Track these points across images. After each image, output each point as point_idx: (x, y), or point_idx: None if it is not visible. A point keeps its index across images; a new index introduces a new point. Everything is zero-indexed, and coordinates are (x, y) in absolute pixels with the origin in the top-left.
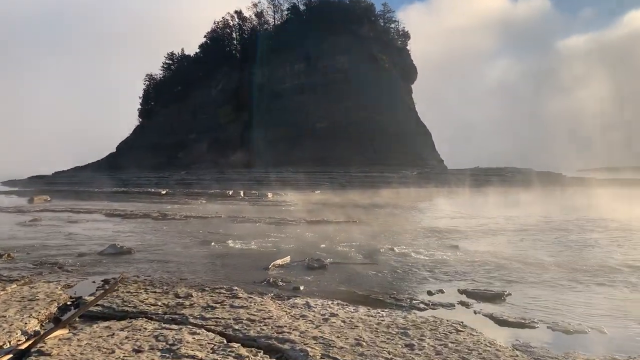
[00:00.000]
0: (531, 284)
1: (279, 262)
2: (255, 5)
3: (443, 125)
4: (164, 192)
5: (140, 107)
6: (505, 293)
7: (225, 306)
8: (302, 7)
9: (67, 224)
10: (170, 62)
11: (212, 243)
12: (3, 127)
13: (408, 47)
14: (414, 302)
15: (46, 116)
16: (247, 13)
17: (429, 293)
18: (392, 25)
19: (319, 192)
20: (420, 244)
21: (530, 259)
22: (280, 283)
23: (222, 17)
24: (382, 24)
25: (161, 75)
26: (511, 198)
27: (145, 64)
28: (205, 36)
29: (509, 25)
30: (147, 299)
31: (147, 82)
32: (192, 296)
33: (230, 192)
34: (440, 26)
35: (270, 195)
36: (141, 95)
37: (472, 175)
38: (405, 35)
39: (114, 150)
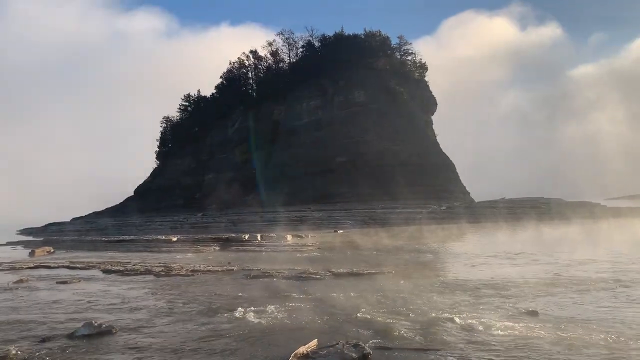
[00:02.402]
0: None
1: (302, 350)
2: (270, 44)
3: (458, 156)
4: (174, 239)
5: (157, 149)
6: None
7: None
8: (316, 44)
9: (55, 287)
10: (187, 103)
11: (217, 313)
12: (26, 174)
13: (426, 79)
14: None
15: (67, 162)
16: (262, 52)
17: None
18: (409, 58)
19: (341, 231)
20: (485, 308)
21: None
22: None
23: (238, 58)
24: (399, 57)
25: (178, 117)
26: (560, 234)
27: (163, 106)
28: (221, 77)
29: (519, 53)
30: None
31: (164, 125)
32: None
33: (246, 237)
34: (449, 58)
35: (289, 237)
36: (158, 138)
37: (506, 208)
38: (423, 67)
39: (132, 194)
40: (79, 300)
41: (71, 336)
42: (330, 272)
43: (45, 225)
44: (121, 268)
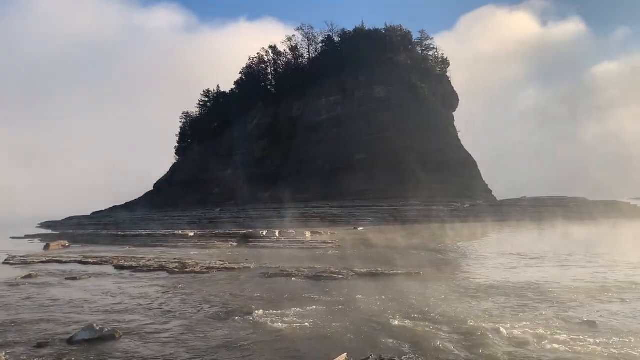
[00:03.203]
0: None
1: None
2: (289, 39)
3: (476, 153)
4: (191, 234)
5: (177, 144)
6: None
7: None
8: (336, 39)
9: (63, 283)
10: (207, 99)
11: (233, 317)
12: (47, 169)
13: (448, 74)
14: None
15: (87, 156)
16: (282, 47)
17: None
18: (431, 53)
19: (361, 228)
20: (533, 317)
21: None
22: None
23: (257, 53)
24: (420, 52)
25: (197, 113)
26: (595, 234)
27: (182, 102)
28: (240, 72)
29: (540, 49)
30: None
31: (183, 120)
32: None
33: (264, 233)
34: (468, 54)
35: (308, 234)
36: (178, 133)
37: (532, 207)
38: (445, 62)
39: (152, 188)
40: (85, 299)
41: (70, 341)
42: (352, 271)
43: (65, 219)
44: (134, 264)
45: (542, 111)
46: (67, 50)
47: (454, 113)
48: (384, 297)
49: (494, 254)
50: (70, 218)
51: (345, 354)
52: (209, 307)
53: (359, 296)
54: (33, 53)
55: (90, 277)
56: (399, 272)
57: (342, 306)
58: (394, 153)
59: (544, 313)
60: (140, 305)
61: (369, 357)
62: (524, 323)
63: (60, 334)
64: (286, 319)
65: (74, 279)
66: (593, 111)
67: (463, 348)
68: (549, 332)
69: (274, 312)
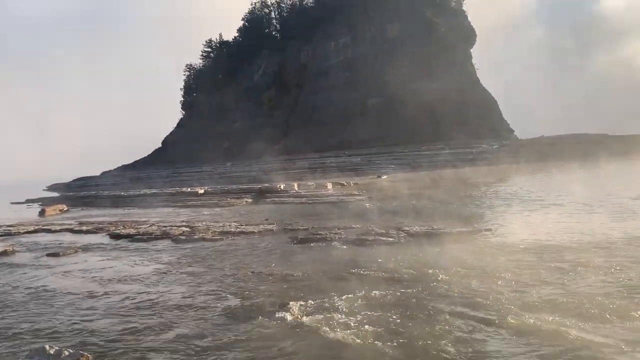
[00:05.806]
0: None
1: None
2: None
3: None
4: (201, 191)
5: (182, 99)
6: None
7: None
8: None
9: (40, 263)
10: (209, 49)
11: (258, 315)
12: (57, 133)
13: (464, 8)
14: None
15: (94, 119)
16: None
17: None
18: None
19: (385, 177)
20: None
21: None
22: None
23: None
24: None
25: (201, 65)
26: None
27: (185, 54)
28: (243, 19)
29: None
30: None
31: (187, 73)
32: None
33: (282, 186)
34: None
35: (329, 185)
36: (182, 87)
37: (568, 144)
38: None
39: (160, 145)
40: (56, 290)
41: None
42: (402, 231)
43: (72, 181)
44: (132, 231)
45: (549, 45)
46: (59, 5)
47: (471, 50)
48: (466, 271)
49: (565, 203)
50: (78, 179)
51: None
52: (223, 298)
53: (430, 270)
54: (26, 11)
55: (76, 251)
56: (463, 230)
57: (414, 290)
58: (410, 95)
59: None
60: (129, 298)
61: None
62: None
63: (3, 356)
64: (339, 320)
65: (55, 255)
66: (603, 41)
67: None
68: None
69: (317, 304)
